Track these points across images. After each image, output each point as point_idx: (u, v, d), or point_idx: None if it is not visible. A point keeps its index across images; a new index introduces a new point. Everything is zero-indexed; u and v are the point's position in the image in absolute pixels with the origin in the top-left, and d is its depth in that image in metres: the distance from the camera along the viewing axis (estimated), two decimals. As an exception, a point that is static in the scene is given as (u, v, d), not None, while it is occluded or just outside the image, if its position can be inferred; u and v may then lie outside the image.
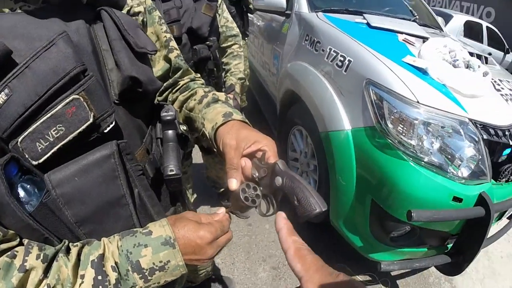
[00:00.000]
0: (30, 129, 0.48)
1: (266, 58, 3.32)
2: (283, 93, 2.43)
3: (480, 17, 8.94)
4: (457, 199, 1.33)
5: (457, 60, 1.64)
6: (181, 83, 0.85)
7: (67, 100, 0.49)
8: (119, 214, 0.55)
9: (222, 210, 0.62)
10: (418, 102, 1.40)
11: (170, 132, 0.69)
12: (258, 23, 3.64)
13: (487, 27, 7.43)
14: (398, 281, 2.03)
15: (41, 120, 0.48)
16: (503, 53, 7.40)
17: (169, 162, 0.64)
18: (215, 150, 0.67)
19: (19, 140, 0.48)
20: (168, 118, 0.69)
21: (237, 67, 1.90)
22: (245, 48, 3.30)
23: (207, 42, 1.71)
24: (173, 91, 0.84)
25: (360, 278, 1.97)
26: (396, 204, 1.38)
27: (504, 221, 1.80)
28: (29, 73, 0.48)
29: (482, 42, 7.05)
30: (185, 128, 0.76)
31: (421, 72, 1.56)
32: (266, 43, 3.33)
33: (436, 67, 1.55)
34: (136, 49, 0.62)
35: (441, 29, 2.76)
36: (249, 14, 3.18)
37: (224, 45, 1.88)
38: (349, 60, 1.67)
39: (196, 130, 0.75)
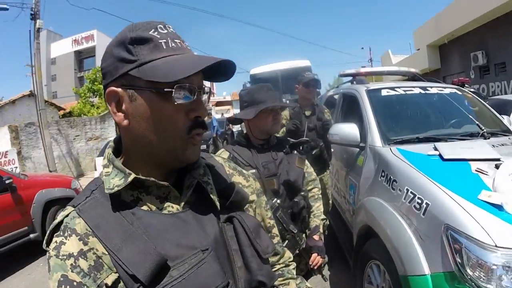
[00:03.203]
0: None
1: (342, 186, 3.53)
2: (359, 226, 2.53)
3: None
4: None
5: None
6: (277, 267, 0.97)
7: None
8: None
9: None
10: (496, 246, 1.47)
11: None
12: (332, 149, 3.88)
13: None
14: None
15: None
16: None
17: None
18: None
19: None
20: None
21: (318, 209, 2.11)
22: (327, 177, 3.62)
23: (302, 193, 1.94)
24: None
25: None
26: None
27: None
28: (185, 284, 0.61)
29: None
30: None
31: (497, 208, 1.65)
32: (341, 171, 3.57)
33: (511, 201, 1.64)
34: (262, 256, 0.73)
35: (510, 132, 2.84)
36: None
37: (305, 188, 2.09)
38: (426, 203, 1.80)
39: None
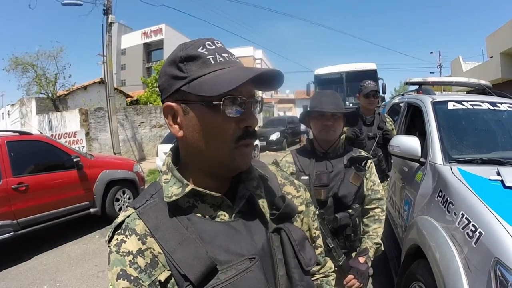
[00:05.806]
0: None
1: (397, 199, 3.46)
2: (409, 245, 2.46)
3: None
4: None
5: None
6: (317, 276, 1.04)
7: None
8: None
9: None
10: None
11: None
12: (392, 161, 3.80)
13: None
14: None
15: None
16: None
17: None
18: None
19: None
20: None
21: (375, 231, 1.99)
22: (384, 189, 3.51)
23: (349, 210, 1.90)
24: None
25: None
26: None
27: None
28: (231, 287, 0.67)
29: None
30: None
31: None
32: (399, 184, 3.49)
33: None
34: (304, 268, 0.77)
35: None
36: None
37: (367, 207, 2.03)
38: (480, 232, 1.71)
39: None
